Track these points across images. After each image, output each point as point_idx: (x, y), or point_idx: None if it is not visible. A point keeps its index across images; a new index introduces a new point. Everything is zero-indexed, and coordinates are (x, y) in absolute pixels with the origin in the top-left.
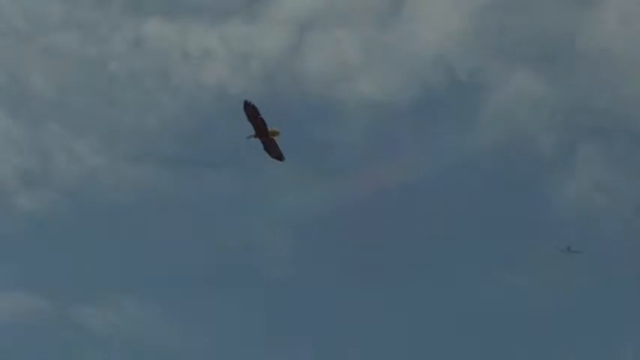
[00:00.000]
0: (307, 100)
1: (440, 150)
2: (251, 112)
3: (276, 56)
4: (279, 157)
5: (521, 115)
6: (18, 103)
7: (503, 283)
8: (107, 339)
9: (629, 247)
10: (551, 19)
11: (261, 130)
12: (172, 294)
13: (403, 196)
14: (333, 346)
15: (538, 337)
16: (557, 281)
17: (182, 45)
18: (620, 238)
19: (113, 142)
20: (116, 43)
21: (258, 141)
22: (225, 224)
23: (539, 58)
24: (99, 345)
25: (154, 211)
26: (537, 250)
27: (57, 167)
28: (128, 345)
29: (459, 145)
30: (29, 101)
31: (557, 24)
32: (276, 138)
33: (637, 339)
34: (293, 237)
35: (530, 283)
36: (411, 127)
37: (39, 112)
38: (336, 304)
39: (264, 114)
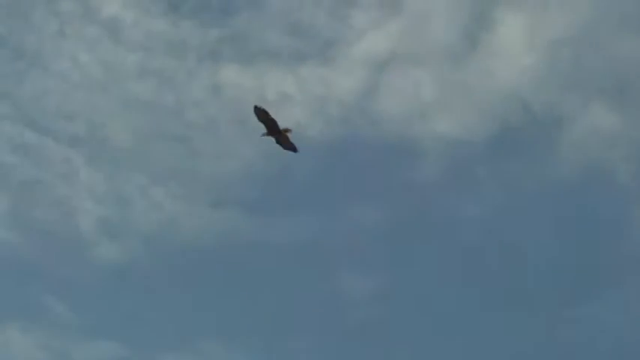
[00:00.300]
0: (385, 140)
1: (518, 185)
2: (261, 114)
3: (352, 98)
4: (292, 148)
5: (598, 148)
6: (96, 152)
7: (582, 317)
8: None
9: None
10: (626, 50)
11: (272, 129)
12: (255, 339)
13: (481, 230)
14: None
15: None
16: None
17: (259, 90)
18: None
19: (193, 189)
20: (193, 91)
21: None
22: (306, 268)
23: (615, 90)
24: None
25: (234, 257)
26: (617, 284)
27: (136, 215)
28: None
29: (537, 179)
30: (107, 150)
31: (632, 55)
32: (289, 134)
33: None
34: (374, 279)
35: (609, 316)
36: (488, 163)
37: (117, 161)
38: (420, 343)
39: (342, 156)
